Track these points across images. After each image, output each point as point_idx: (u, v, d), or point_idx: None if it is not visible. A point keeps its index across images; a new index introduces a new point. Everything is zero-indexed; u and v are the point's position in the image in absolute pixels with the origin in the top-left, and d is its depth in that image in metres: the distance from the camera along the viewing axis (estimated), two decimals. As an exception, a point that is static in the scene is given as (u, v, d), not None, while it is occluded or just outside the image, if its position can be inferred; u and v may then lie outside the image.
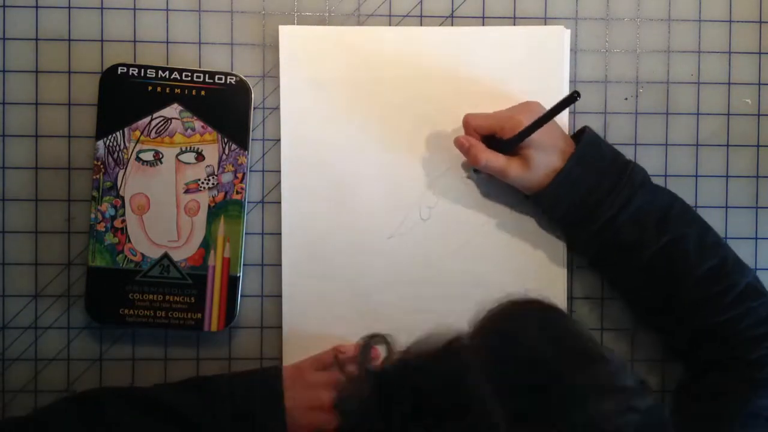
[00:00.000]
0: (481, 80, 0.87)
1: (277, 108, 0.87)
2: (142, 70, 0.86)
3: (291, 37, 0.87)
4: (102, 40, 0.87)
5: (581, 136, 0.82)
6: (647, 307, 0.85)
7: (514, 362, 0.58)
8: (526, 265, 0.87)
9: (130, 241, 0.86)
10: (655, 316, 0.85)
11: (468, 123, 0.83)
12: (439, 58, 0.87)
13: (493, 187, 0.87)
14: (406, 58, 0.87)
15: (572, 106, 0.87)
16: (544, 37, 0.87)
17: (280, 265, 0.87)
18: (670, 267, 0.80)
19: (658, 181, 0.89)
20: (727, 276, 0.79)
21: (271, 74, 0.87)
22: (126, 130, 0.86)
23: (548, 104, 0.79)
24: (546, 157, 0.80)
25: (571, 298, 0.88)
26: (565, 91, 0.87)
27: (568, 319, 0.65)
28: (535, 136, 0.79)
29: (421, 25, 0.88)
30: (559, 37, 0.87)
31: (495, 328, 0.62)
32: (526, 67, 0.87)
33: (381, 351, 0.80)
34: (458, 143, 0.83)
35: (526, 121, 0.79)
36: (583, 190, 0.80)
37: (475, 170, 0.86)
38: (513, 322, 0.62)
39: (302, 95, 0.87)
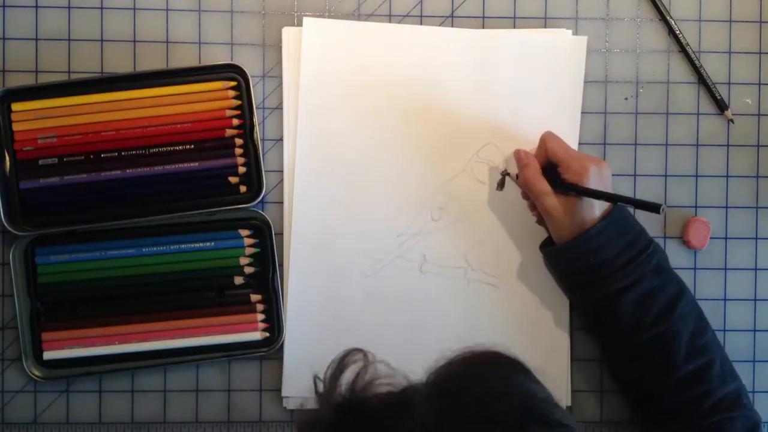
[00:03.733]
0: (499, 83, 0.86)
1: (277, 108, 0.87)
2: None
3: (313, 32, 0.86)
4: (102, 40, 0.87)
5: (613, 209, 0.80)
6: (628, 392, 0.85)
7: (461, 417, 0.58)
8: (533, 265, 0.87)
9: (130, 241, 0.86)
10: (635, 405, 0.84)
11: (544, 141, 0.82)
12: (456, 59, 0.86)
13: (504, 198, 0.87)
14: (423, 58, 0.86)
15: (572, 106, 0.88)
16: (564, 44, 0.87)
17: (281, 265, 0.87)
18: (655, 359, 0.78)
19: (658, 180, 0.89)
20: (710, 381, 0.77)
21: (271, 74, 0.87)
22: (126, 129, 0.86)
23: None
24: (585, 213, 0.78)
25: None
26: (578, 99, 0.87)
27: (526, 376, 0.64)
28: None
29: (420, 24, 0.88)
30: (579, 46, 0.87)
31: (450, 379, 0.62)
32: (544, 74, 0.86)
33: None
34: (517, 155, 0.83)
35: (593, 175, 0.78)
36: (605, 255, 0.78)
37: (500, 185, 0.85)
38: (467, 375, 0.62)
39: (320, 92, 0.86)
